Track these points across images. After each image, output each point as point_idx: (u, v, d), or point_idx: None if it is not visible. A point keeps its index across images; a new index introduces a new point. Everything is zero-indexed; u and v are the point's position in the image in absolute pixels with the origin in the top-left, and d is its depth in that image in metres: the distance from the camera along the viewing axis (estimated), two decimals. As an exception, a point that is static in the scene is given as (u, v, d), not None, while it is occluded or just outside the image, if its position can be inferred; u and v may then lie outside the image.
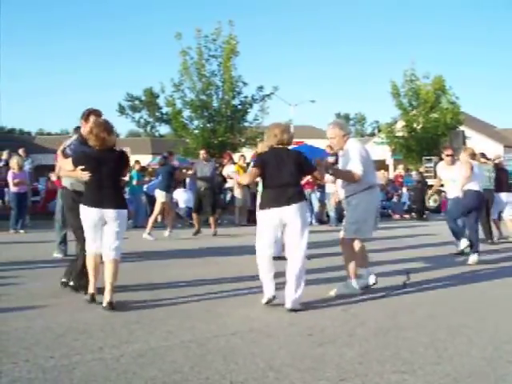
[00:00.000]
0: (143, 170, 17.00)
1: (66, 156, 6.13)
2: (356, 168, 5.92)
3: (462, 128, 28.67)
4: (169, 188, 12.94)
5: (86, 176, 5.54)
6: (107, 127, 5.57)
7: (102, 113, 6.34)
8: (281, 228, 5.50)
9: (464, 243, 8.83)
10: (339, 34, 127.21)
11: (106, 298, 5.32)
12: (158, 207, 12.77)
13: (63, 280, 6.25)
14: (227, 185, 16.82)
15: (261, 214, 5.70)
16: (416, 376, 3.64)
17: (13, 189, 13.35)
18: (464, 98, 75.89)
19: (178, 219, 15.54)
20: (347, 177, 6.07)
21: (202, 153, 13.53)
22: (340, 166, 6.36)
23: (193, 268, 7.93)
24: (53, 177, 11.61)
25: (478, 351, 4.22)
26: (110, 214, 5.46)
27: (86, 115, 6.23)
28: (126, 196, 13.25)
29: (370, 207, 6.11)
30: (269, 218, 5.52)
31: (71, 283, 6.13)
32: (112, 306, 5.28)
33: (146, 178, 16.29)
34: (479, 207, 9.26)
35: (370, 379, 3.57)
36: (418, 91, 29.69)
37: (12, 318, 4.99)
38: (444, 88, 29.67)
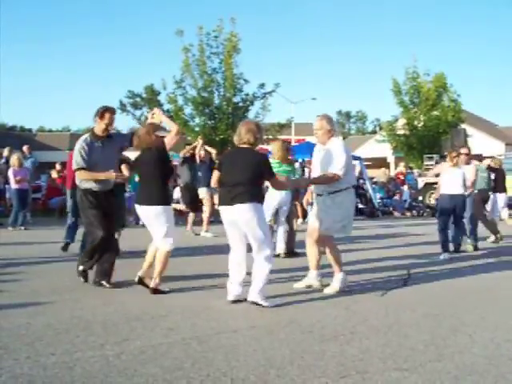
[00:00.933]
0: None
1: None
2: (338, 169, 5.92)
3: (463, 126, 28.64)
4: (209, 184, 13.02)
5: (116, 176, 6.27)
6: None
7: (115, 110, 6.48)
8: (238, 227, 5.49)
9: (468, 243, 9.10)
10: (340, 31, 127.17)
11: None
12: (207, 204, 12.79)
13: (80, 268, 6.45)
14: None
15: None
16: (417, 373, 3.64)
17: (14, 186, 13.36)
18: (466, 96, 76.05)
19: (179, 216, 15.53)
20: (328, 180, 6.03)
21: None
22: (318, 161, 6.26)
23: (193, 265, 7.94)
24: (53, 174, 11.61)
25: (479, 349, 4.21)
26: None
27: (101, 113, 6.28)
28: (127, 194, 13.28)
29: (352, 205, 6.35)
30: (223, 217, 5.61)
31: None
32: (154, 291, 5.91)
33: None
34: (453, 209, 9.32)
35: (371, 376, 3.57)
36: (419, 89, 29.67)
37: (13, 315, 4.99)
38: (445, 85, 29.67)
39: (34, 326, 4.62)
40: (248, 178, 5.39)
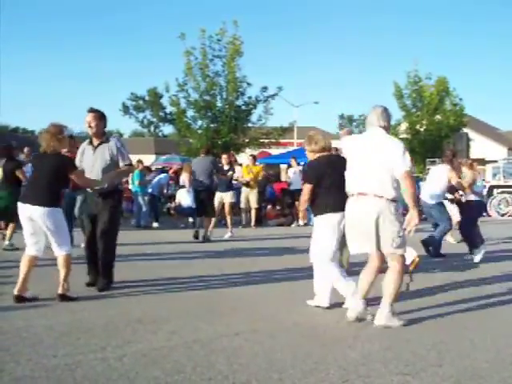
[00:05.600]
0: (148, 169, 17.00)
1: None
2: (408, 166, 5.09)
3: (465, 130, 28.66)
4: (228, 188, 13.06)
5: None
6: None
7: (91, 109, 6.38)
8: None
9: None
10: (343, 35, 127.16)
11: None
12: (227, 208, 12.87)
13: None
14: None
15: None
16: (419, 378, 3.64)
17: None
18: (468, 100, 75.83)
19: (181, 219, 15.55)
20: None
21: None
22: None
23: (195, 269, 7.92)
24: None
25: (480, 354, 4.21)
26: None
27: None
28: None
29: None
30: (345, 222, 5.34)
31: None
32: None
33: (149, 178, 16.25)
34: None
35: (373, 381, 3.57)
36: (421, 93, 29.68)
37: (14, 317, 5.00)
38: (447, 89, 29.67)
39: (35, 329, 4.62)
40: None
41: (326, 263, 5.50)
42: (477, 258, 9.21)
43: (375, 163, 4.94)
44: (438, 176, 9.72)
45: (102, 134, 6.38)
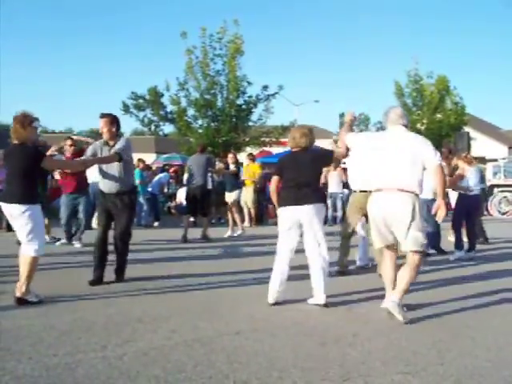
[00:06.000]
0: (148, 168, 17.01)
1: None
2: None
3: (466, 129, 28.62)
4: (234, 188, 13.24)
5: None
6: None
7: (103, 115, 6.60)
8: None
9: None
10: (344, 33, 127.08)
11: None
12: (233, 207, 13.07)
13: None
14: None
15: None
16: (419, 377, 3.64)
17: None
18: (469, 99, 75.83)
19: (182, 218, 15.54)
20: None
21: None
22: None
23: (196, 267, 7.93)
24: (56, 175, 11.56)
25: (481, 352, 4.21)
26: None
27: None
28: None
29: None
30: (285, 217, 5.74)
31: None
32: None
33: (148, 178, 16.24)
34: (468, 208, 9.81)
35: (373, 379, 3.57)
36: (422, 92, 29.65)
37: (15, 316, 5.01)
38: (448, 88, 29.65)
39: (36, 328, 4.62)
40: (313, 179, 5.66)
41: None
42: (452, 256, 9.30)
43: (406, 159, 5.11)
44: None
45: (115, 136, 6.59)
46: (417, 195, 5.11)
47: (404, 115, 5.41)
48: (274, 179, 6.00)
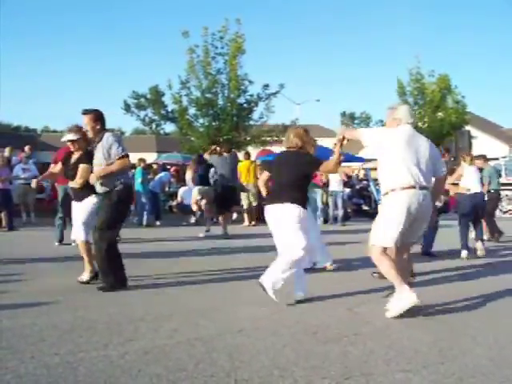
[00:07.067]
0: (149, 167, 17.04)
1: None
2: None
3: (467, 128, 28.66)
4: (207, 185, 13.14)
5: None
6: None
7: (84, 111, 6.33)
8: None
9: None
10: (345, 32, 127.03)
11: None
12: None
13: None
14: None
15: None
16: (420, 375, 3.64)
17: None
18: (470, 98, 75.80)
19: (183, 217, 15.56)
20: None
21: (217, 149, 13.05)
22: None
23: (197, 266, 7.93)
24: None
25: (482, 351, 4.21)
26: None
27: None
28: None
29: None
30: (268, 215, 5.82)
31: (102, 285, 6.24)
32: None
33: (150, 176, 16.26)
34: (474, 208, 9.86)
35: (375, 378, 3.57)
36: (423, 90, 29.66)
37: (17, 315, 5.01)
38: (449, 87, 29.66)
39: (37, 326, 4.63)
40: (293, 180, 5.59)
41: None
42: (462, 254, 9.41)
43: (425, 159, 5.24)
44: None
45: (99, 133, 6.24)
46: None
47: (412, 113, 5.54)
48: (264, 174, 6.30)
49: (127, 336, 4.40)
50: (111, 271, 6.13)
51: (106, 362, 3.79)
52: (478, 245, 9.69)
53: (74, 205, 6.74)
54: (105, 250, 6.04)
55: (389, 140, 5.32)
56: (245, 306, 5.52)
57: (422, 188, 5.15)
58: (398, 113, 5.40)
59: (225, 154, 12.50)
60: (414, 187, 5.14)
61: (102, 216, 6.18)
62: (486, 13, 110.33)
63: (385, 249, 5.24)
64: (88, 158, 6.51)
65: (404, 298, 5.09)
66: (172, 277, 6.96)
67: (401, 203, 5.15)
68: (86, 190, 6.53)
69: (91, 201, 6.57)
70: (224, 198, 12.11)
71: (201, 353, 4.02)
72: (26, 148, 16.48)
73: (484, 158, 11.90)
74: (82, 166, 6.56)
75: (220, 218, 12.60)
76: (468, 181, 9.63)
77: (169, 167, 23.14)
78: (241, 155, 17.74)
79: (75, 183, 6.63)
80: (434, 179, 5.45)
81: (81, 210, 6.62)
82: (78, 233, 6.59)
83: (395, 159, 5.22)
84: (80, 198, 6.65)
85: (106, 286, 6.11)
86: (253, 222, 15.33)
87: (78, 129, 6.68)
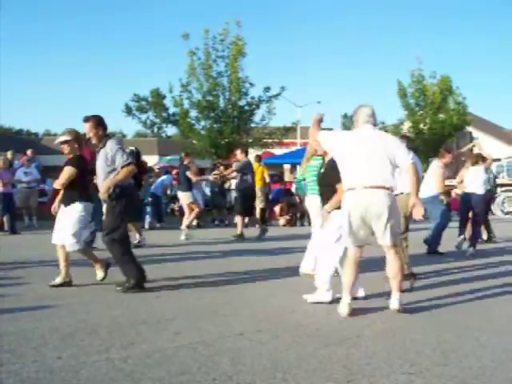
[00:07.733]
0: (150, 170, 17.04)
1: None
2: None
3: (469, 129, 28.64)
4: (190, 188, 13.28)
5: None
6: None
7: (85, 118, 6.43)
8: None
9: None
10: (346, 34, 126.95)
11: None
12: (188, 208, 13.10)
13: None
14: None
15: None
16: (423, 377, 3.63)
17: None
18: (472, 99, 75.83)
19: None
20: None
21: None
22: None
23: (199, 269, 7.93)
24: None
25: (485, 353, 4.20)
26: None
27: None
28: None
29: None
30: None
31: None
32: None
33: (151, 179, 16.25)
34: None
35: (378, 380, 3.56)
36: (424, 91, 29.66)
37: (20, 319, 5.01)
38: (451, 88, 29.66)
39: (40, 330, 4.63)
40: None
41: None
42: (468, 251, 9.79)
43: (381, 157, 5.21)
44: (432, 172, 9.80)
45: (102, 138, 6.36)
46: (392, 191, 5.24)
47: (373, 114, 5.48)
48: None
49: (129, 339, 4.40)
50: (133, 266, 6.30)
51: (109, 365, 3.78)
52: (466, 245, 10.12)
53: (61, 208, 6.75)
54: (118, 250, 6.25)
55: (339, 144, 5.49)
56: (247, 308, 5.51)
57: (367, 187, 5.14)
58: (356, 115, 5.53)
59: (245, 157, 12.85)
60: (353, 189, 5.21)
61: (106, 220, 6.35)
62: (487, 14, 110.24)
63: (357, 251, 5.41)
64: (77, 163, 6.59)
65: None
66: (174, 280, 6.96)
67: (343, 206, 5.32)
68: (71, 194, 6.59)
69: (75, 208, 6.55)
70: (251, 201, 12.88)
71: (203, 356, 4.01)
72: (28, 152, 16.50)
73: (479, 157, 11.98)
74: (66, 168, 6.61)
75: (246, 220, 13.40)
76: (471, 181, 9.95)
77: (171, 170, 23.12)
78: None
79: (56, 183, 6.69)
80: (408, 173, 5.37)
81: (65, 215, 6.64)
82: (57, 236, 6.64)
83: (342, 162, 5.39)
84: (65, 203, 6.66)
85: (132, 283, 6.22)
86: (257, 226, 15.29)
87: (70, 131, 6.73)
